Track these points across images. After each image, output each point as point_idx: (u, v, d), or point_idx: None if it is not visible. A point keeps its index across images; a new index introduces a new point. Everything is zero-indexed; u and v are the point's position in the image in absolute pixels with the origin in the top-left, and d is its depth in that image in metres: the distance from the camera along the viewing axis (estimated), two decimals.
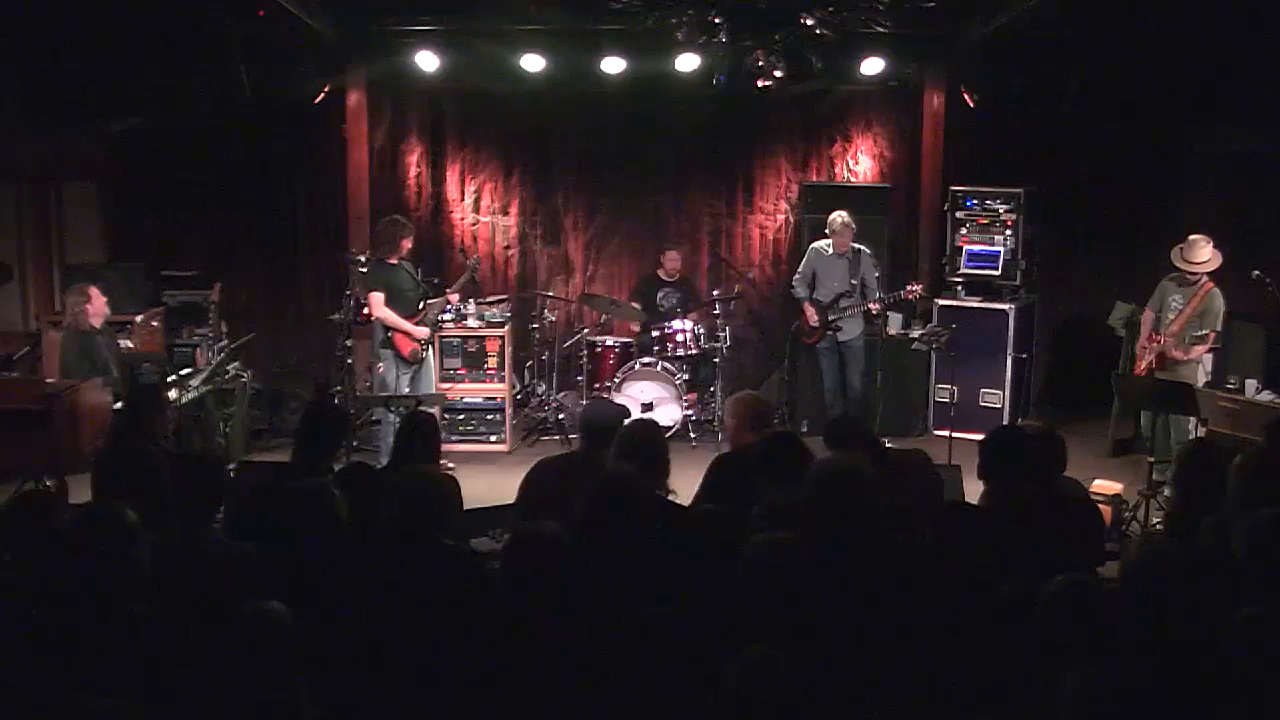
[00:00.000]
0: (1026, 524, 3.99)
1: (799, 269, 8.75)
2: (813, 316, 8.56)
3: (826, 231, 8.50)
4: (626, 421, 4.92)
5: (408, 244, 7.78)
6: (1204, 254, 7.22)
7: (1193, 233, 7.34)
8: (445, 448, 7.21)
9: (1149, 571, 3.08)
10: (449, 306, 8.17)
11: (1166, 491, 6.84)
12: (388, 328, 7.65)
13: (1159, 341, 7.37)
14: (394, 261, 7.75)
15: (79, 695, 2.64)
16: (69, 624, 3.01)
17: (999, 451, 4.38)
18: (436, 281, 8.46)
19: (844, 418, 5.87)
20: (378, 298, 7.67)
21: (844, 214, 8.42)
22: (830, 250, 8.52)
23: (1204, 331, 7.17)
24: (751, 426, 5.06)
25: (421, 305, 7.82)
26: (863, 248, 8.47)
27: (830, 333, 8.54)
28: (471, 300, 8.72)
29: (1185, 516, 4.15)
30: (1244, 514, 3.59)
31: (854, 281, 8.43)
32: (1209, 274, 7.26)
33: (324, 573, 3.54)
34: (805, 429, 8.54)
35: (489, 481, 7.04)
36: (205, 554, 3.61)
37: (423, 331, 7.71)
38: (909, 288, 8.43)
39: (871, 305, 8.40)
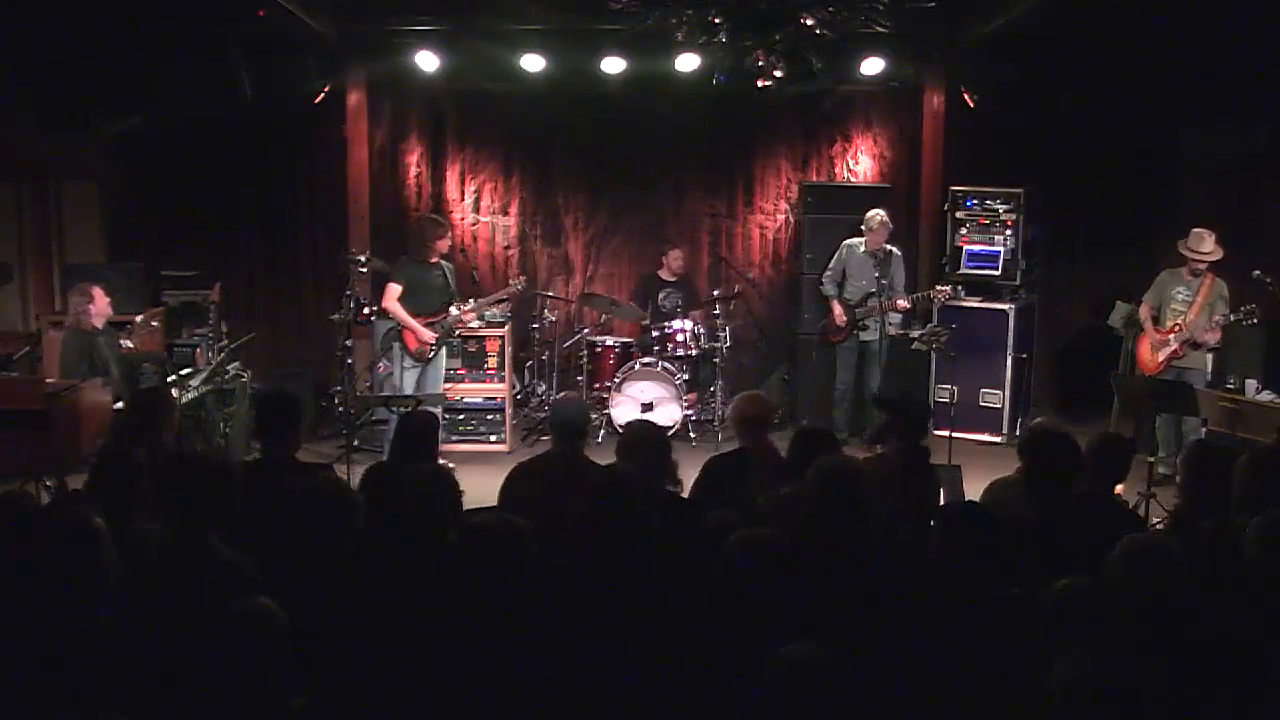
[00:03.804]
0: (1077, 526, 3.98)
1: (829, 265, 8.76)
2: (841, 315, 8.57)
3: (862, 228, 8.53)
4: (626, 424, 4.97)
5: (443, 244, 7.78)
6: (1209, 245, 7.54)
7: (1195, 227, 7.61)
8: (445, 448, 7.23)
9: (1141, 569, 3.09)
10: (469, 322, 8.07)
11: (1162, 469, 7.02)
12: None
13: (1178, 331, 7.54)
14: (433, 260, 7.74)
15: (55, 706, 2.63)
16: (36, 632, 3.00)
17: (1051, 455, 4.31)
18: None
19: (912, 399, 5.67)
20: (392, 289, 7.69)
21: (882, 212, 8.48)
22: (862, 248, 8.54)
23: (1218, 316, 7.48)
24: (743, 430, 5.08)
25: (443, 310, 7.77)
26: (894, 249, 8.51)
27: (855, 332, 8.56)
28: (472, 300, 8.71)
29: (1189, 518, 4.15)
30: (1251, 513, 3.59)
31: (883, 281, 8.44)
32: (1211, 265, 7.58)
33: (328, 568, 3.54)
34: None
35: (489, 481, 7.00)
36: (201, 559, 3.60)
37: (428, 335, 7.69)
38: (938, 288, 8.45)
39: (900, 302, 8.41)
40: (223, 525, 3.74)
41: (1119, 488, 6.66)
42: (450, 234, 7.94)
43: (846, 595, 3.41)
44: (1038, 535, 3.94)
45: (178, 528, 3.70)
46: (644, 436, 4.67)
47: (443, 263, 7.85)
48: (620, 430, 8.52)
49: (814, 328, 9.02)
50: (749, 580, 3.08)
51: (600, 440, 8.62)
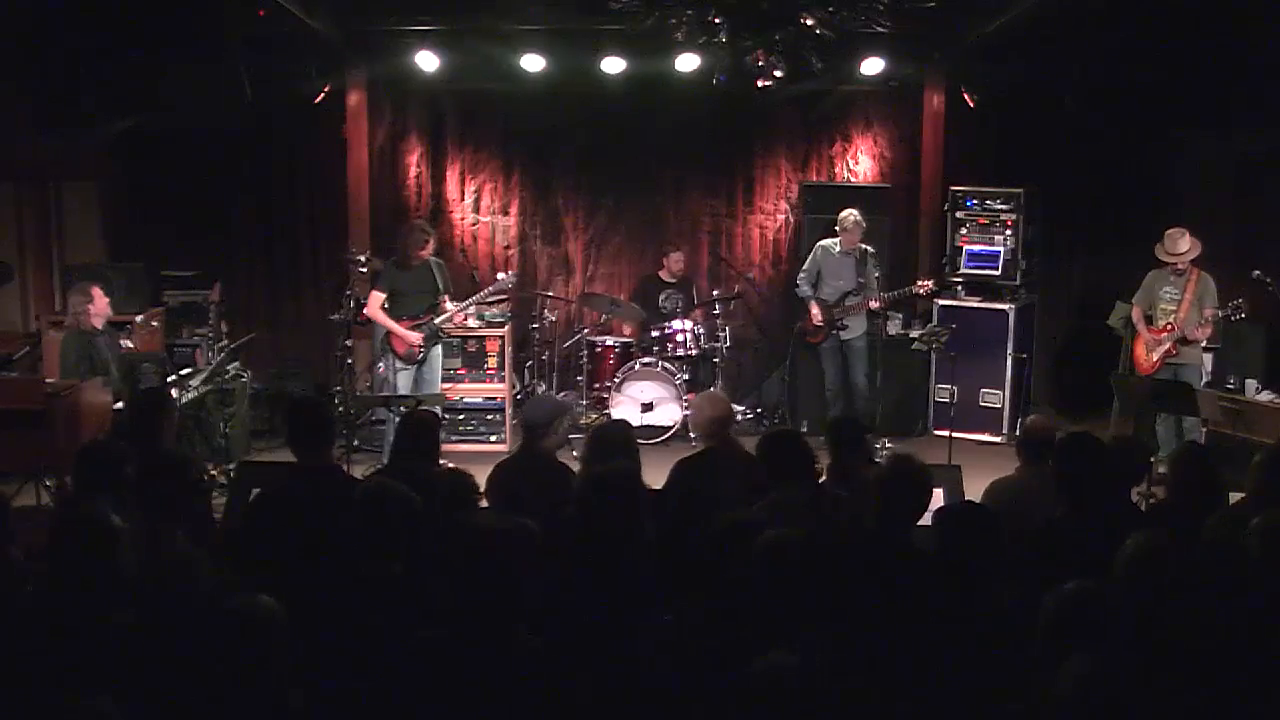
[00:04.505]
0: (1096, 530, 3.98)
1: (804, 267, 8.73)
2: (818, 316, 8.55)
3: (836, 228, 8.48)
4: (598, 424, 5.00)
5: (425, 252, 7.67)
6: (1185, 244, 7.59)
7: (1168, 229, 7.67)
8: (445, 448, 7.20)
9: (1148, 569, 3.09)
10: (450, 324, 8.05)
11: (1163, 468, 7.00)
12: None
13: (1171, 330, 7.57)
14: (413, 264, 7.70)
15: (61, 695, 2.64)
16: (56, 628, 3.01)
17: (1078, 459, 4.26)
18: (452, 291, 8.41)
19: (847, 420, 5.77)
20: (375, 297, 7.65)
21: (855, 212, 8.42)
22: (838, 249, 8.51)
23: (1207, 311, 7.50)
24: (712, 430, 5.07)
25: (431, 310, 7.74)
26: (868, 247, 8.45)
27: (834, 332, 8.54)
28: (471, 300, 8.70)
29: (1175, 516, 4.15)
30: (1259, 512, 3.60)
31: (860, 280, 8.43)
32: (1192, 261, 7.61)
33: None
34: (805, 429, 8.52)
35: None
36: (164, 552, 3.62)
37: (413, 336, 7.65)
38: (919, 283, 8.44)
39: (872, 302, 8.38)
40: (184, 519, 3.76)
41: None
42: (431, 242, 7.81)
43: (859, 596, 3.41)
44: (1067, 537, 3.93)
45: (140, 520, 3.71)
46: (618, 436, 4.68)
47: (430, 260, 7.77)
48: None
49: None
50: (781, 582, 3.08)
51: None
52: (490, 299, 8.38)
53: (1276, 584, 3.23)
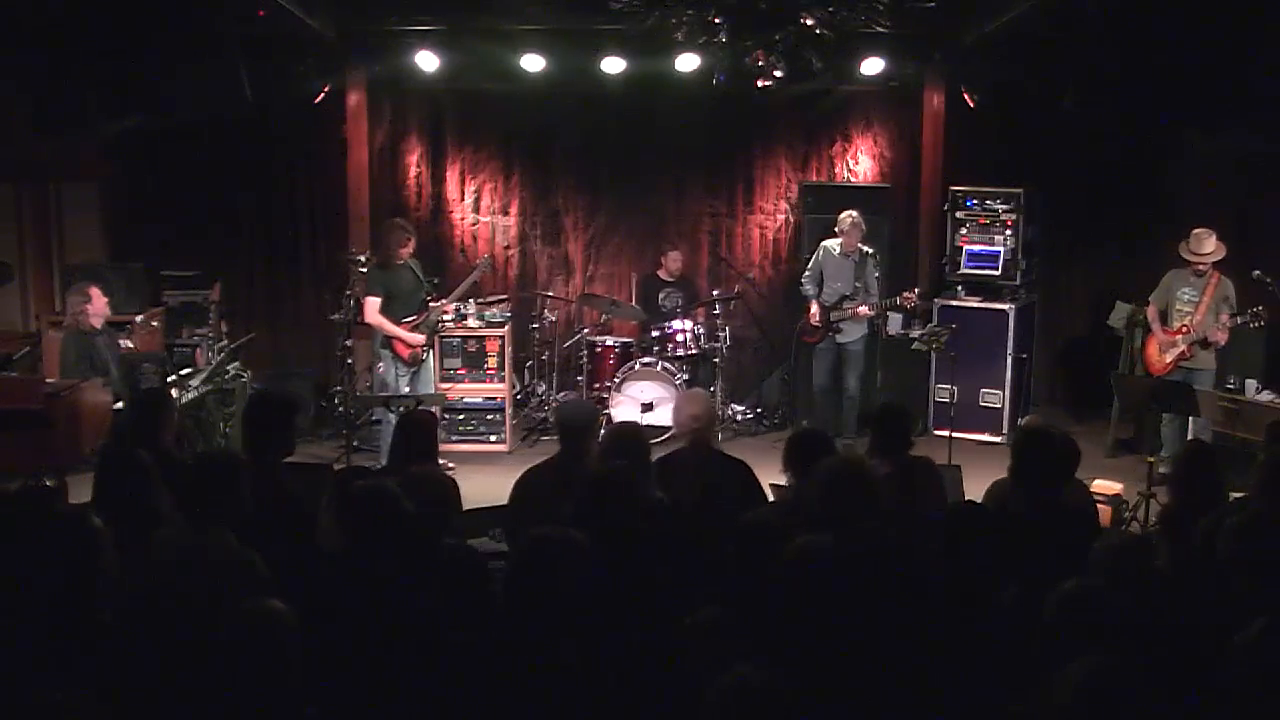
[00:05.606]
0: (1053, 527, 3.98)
1: (808, 266, 8.72)
2: (816, 316, 8.54)
3: (836, 230, 8.48)
4: (613, 424, 4.94)
5: (406, 250, 7.69)
6: (1210, 245, 7.55)
7: (1195, 228, 7.61)
8: (445, 448, 7.22)
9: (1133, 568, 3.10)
10: (445, 317, 8.09)
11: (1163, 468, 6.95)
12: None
13: (1185, 332, 7.52)
14: (398, 263, 7.71)
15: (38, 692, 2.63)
16: (36, 628, 3.01)
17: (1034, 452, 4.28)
18: (436, 281, 8.44)
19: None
20: (372, 303, 7.63)
21: (854, 213, 8.39)
22: (838, 250, 8.49)
23: (1224, 317, 7.46)
24: (707, 428, 5.02)
25: (423, 306, 7.77)
26: (870, 250, 8.44)
27: (831, 334, 8.53)
28: (471, 300, 8.71)
29: (1180, 517, 4.16)
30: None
31: (857, 284, 8.41)
32: (1215, 264, 7.58)
33: (325, 573, 3.53)
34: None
35: (489, 481, 7.02)
36: (209, 554, 3.61)
37: (417, 338, 7.66)
38: (904, 295, 8.40)
39: (861, 308, 8.35)
40: (234, 521, 3.76)
41: (1118, 488, 6.73)
42: (412, 241, 7.80)
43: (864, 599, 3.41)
44: (1024, 533, 3.93)
45: (193, 525, 3.69)
46: (631, 436, 4.67)
47: (409, 261, 7.80)
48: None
49: None
50: (823, 588, 3.07)
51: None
52: (470, 287, 8.32)
53: (1246, 582, 3.22)
